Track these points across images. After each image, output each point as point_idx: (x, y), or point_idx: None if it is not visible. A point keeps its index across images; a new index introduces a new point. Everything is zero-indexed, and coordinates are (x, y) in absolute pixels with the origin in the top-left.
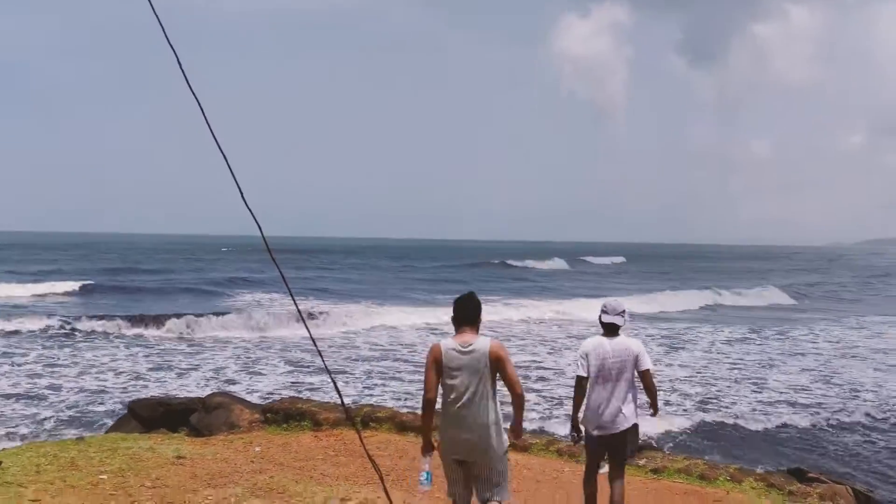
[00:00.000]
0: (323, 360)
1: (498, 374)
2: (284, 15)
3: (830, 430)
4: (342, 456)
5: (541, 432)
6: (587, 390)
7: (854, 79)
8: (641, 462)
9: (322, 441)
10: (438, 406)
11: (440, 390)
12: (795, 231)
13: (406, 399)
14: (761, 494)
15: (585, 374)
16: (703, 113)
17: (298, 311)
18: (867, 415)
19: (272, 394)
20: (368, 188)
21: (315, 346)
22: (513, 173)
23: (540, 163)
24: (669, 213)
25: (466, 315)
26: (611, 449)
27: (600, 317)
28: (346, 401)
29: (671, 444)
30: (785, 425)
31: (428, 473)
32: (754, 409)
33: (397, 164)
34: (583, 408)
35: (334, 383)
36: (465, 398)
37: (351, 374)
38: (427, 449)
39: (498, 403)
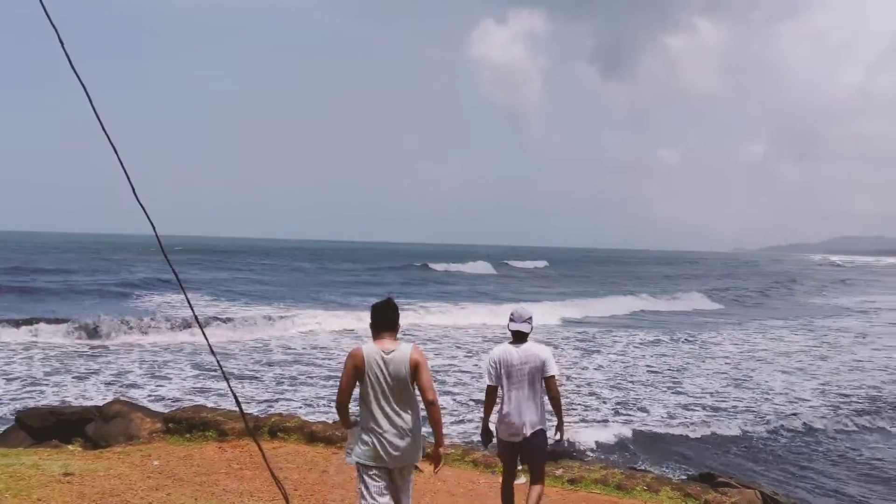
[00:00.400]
0: (220, 366)
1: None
2: (204, 14)
3: (743, 433)
4: (247, 469)
5: (459, 443)
6: (497, 398)
7: (757, 91)
8: (558, 472)
9: (227, 453)
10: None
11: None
12: (700, 237)
13: (318, 406)
14: None
15: (493, 383)
16: (615, 121)
17: (193, 312)
18: (778, 415)
19: (178, 401)
20: (283, 188)
21: (211, 350)
22: (428, 175)
23: (456, 166)
24: (582, 219)
25: (385, 321)
26: (523, 455)
27: (508, 325)
28: (255, 409)
29: (590, 451)
30: (699, 429)
31: (353, 448)
32: (670, 414)
33: (314, 164)
34: (495, 416)
35: (233, 392)
36: (385, 405)
37: (261, 379)
38: (347, 426)
39: (418, 410)
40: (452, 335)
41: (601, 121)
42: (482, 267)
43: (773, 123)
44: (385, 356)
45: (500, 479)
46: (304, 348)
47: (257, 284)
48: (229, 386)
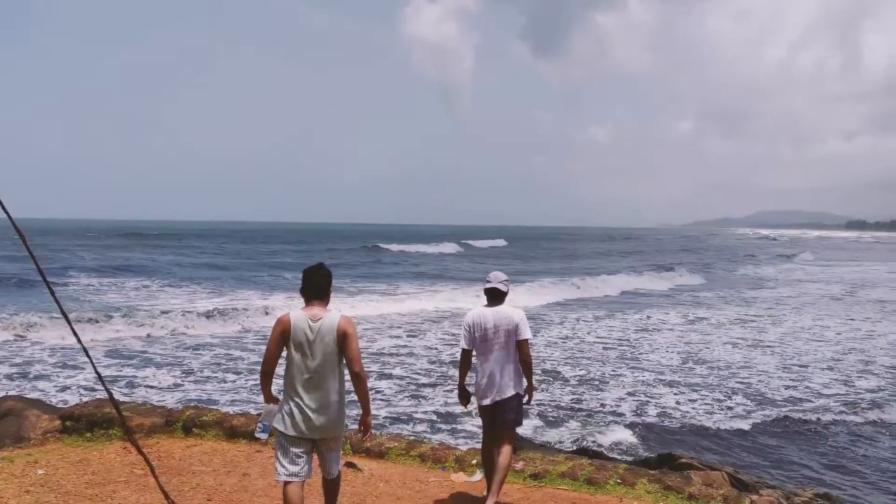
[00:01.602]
0: (87, 353)
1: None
2: None
3: (705, 411)
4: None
5: (403, 436)
6: (475, 361)
7: (685, 69)
8: (519, 466)
9: (131, 455)
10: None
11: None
12: (628, 213)
13: (241, 393)
14: (659, 500)
15: (468, 346)
16: (546, 98)
17: (55, 300)
18: (743, 394)
19: (91, 392)
20: (222, 167)
21: (76, 337)
22: (365, 154)
23: (388, 145)
24: (514, 196)
25: (315, 287)
26: (494, 417)
27: (489, 290)
28: (172, 400)
29: (551, 438)
30: (664, 408)
31: (264, 425)
32: (633, 393)
33: (252, 141)
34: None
35: (99, 377)
36: (311, 374)
37: (184, 366)
38: (268, 400)
39: (343, 381)
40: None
41: (532, 97)
42: (447, 247)
43: (700, 100)
44: (312, 323)
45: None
46: (236, 332)
47: (193, 268)
48: (98, 374)
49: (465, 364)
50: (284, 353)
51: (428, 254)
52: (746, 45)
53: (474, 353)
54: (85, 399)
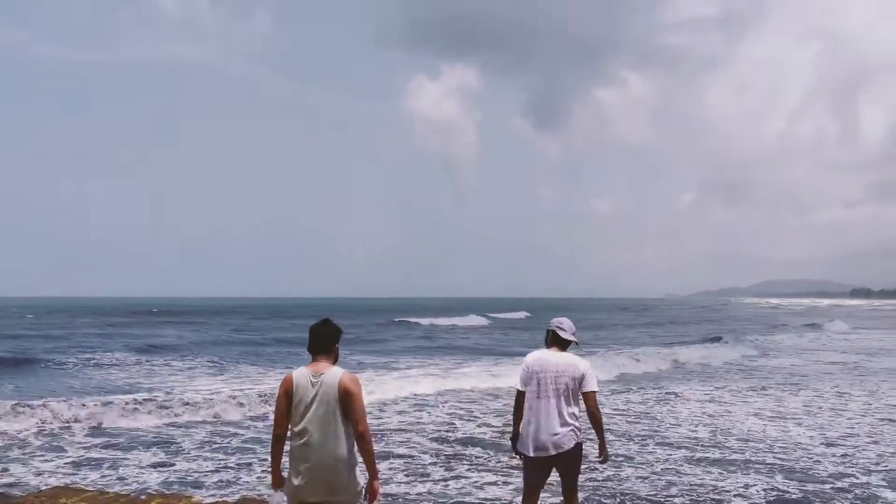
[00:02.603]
0: None
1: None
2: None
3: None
4: None
5: None
6: (526, 406)
7: (685, 141)
8: None
9: None
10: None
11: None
12: (632, 284)
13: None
14: None
15: (523, 388)
16: (548, 171)
17: None
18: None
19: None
20: (219, 243)
21: None
22: (365, 229)
23: (393, 219)
24: (517, 267)
25: (320, 342)
26: (559, 470)
27: (551, 333)
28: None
29: None
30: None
31: None
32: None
33: (251, 217)
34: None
35: None
36: (312, 433)
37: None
38: (276, 483)
39: (352, 442)
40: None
41: (535, 171)
42: (474, 320)
43: (701, 172)
44: (314, 379)
45: None
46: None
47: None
48: None
49: (519, 408)
50: None
51: (459, 326)
52: (746, 117)
53: (530, 396)
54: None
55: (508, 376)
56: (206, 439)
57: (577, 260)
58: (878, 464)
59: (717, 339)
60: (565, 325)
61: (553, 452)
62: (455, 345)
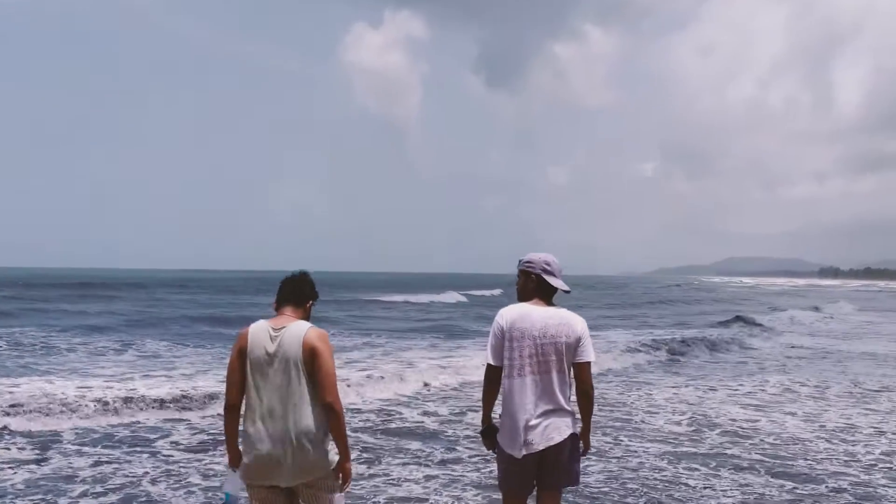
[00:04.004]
0: None
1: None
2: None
3: None
4: None
5: None
6: (505, 384)
7: (647, 105)
8: None
9: None
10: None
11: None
12: (589, 259)
13: None
14: None
15: (495, 362)
16: (501, 135)
17: None
18: None
19: None
20: (140, 216)
21: None
22: (301, 195)
23: (330, 186)
24: (461, 241)
25: (292, 292)
26: (541, 474)
27: (533, 277)
28: None
29: None
30: None
31: (228, 495)
32: None
33: (167, 184)
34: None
35: None
36: (270, 401)
37: None
38: (234, 461)
39: (319, 410)
40: None
41: (485, 134)
42: (451, 297)
43: (663, 139)
44: (273, 333)
45: None
46: None
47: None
48: None
49: (491, 388)
50: None
51: (436, 302)
52: (712, 81)
53: (504, 372)
54: None
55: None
56: None
57: (529, 233)
58: None
59: (729, 322)
60: (553, 265)
61: (541, 447)
62: (470, 328)
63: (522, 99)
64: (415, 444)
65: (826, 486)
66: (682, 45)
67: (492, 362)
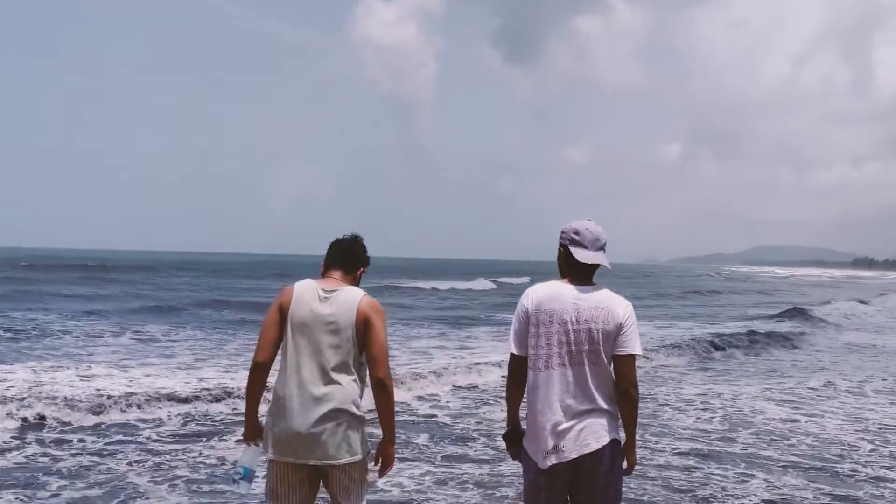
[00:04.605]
0: None
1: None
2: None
3: None
4: None
5: None
6: (529, 378)
7: (674, 83)
8: None
9: None
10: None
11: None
12: (608, 245)
13: None
14: None
15: (519, 352)
16: (518, 114)
17: None
18: None
19: None
20: (142, 190)
21: None
22: (308, 177)
23: (337, 166)
24: (470, 224)
25: (344, 257)
26: (575, 489)
27: (567, 248)
28: None
29: None
30: None
31: (246, 469)
32: None
33: (181, 163)
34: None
35: None
36: (309, 366)
37: None
38: (251, 435)
39: (363, 383)
40: None
41: (503, 112)
42: (482, 284)
43: (690, 119)
44: (324, 294)
45: None
46: None
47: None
48: None
49: (515, 382)
50: None
51: (462, 290)
52: (743, 58)
53: (529, 363)
54: None
55: None
56: None
57: (549, 216)
58: None
59: (784, 315)
60: (584, 235)
61: (573, 456)
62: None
63: (542, 76)
64: (422, 439)
65: (864, 493)
66: (711, 19)
67: (515, 351)
